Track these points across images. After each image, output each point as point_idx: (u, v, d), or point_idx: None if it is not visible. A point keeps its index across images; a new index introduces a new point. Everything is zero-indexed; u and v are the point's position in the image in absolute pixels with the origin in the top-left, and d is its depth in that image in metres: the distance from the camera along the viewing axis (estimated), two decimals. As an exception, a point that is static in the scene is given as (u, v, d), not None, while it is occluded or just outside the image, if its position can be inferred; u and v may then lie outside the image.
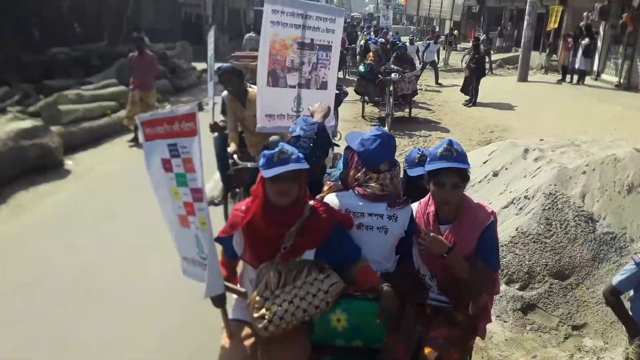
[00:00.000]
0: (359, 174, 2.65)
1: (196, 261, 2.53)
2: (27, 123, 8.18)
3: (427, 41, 21.33)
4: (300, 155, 2.49)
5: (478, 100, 14.42)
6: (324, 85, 4.61)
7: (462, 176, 2.56)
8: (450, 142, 2.58)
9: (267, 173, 2.39)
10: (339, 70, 18.28)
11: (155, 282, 4.87)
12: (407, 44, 17.10)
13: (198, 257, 2.50)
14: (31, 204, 6.89)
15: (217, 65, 6.22)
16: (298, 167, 2.40)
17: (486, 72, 16.19)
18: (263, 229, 2.47)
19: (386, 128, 11.22)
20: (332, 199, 2.69)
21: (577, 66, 16.82)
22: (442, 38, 24.07)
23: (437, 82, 18.68)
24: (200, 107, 2.12)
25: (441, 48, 22.91)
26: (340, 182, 2.76)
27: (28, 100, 10.71)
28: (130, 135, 9.83)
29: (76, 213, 6.57)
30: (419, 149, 3.14)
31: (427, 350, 2.49)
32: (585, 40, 16.37)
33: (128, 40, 16.78)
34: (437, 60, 20.64)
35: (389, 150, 2.68)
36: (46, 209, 6.73)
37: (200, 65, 16.80)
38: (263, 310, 2.38)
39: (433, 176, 2.57)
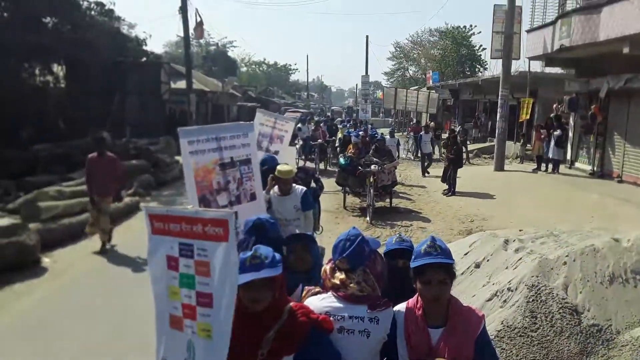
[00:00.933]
0: (327, 267, 2.68)
1: None
2: (5, 221, 8.13)
3: (411, 133, 21.61)
4: (277, 256, 2.45)
5: (457, 189, 14.68)
6: (253, 197, 4.77)
7: (448, 272, 2.53)
8: (433, 239, 2.57)
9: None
10: (321, 161, 18.87)
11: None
12: (387, 136, 17.62)
13: None
14: (6, 304, 6.69)
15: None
16: (270, 275, 2.36)
17: (464, 162, 16.60)
18: (238, 333, 2.39)
19: (367, 218, 11.35)
20: (311, 302, 2.66)
21: (550, 156, 17.35)
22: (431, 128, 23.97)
23: (424, 174, 18.59)
24: (236, 216, 2.09)
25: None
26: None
27: (8, 197, 10.67)
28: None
29: (53, 313, 6.37)
30: (398, 233, 3.16)
31: None
32: (557, 132, 17.00)
33: (112, 136, 17.10)
34: (432, 152, 20.07)
35: (348, 246, 2.65)
36: (22, 309, 6.52)
37: (183, 160, 16.96)
38: None
39: (419, 274, 2.53)
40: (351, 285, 2.59)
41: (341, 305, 2.59)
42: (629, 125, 15.20)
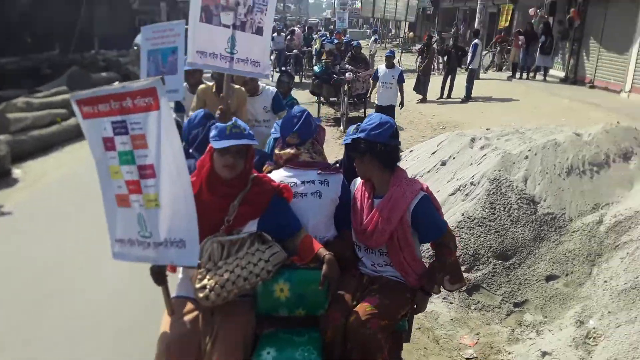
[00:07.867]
0: (276, 149, 2.82)
1: (135, 241, 2.43)
2: (-27, 132, 7.99)
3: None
4: (252, 132, 2.57)
5: (429, 98, 14.69)
6: (259, 31, 4.37)
7: (369, 149, 2.65)
8: (375, 117, 2.75)
9: (217, 144, 2.46)
10: (296, 73, 18.52)
11: (108, 283, 4.82)
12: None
13: (139, 236, 2.41)
14: (-23, 213, 6.71)
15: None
16: (250, 143, 2.50)
17: (434, 71, 16.37)
18: (207, 200, 2.52)
19: (341, 127, 11.37)
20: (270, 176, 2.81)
21: (539, 64, 17.19)
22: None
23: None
24: (163, 81, 1.95)
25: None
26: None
27: (-26, 110, 10.41)
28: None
29: (27, 220, 6.42)
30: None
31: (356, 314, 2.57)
32: (542, 38, 16.83)
33: (80, 49, 16.56)
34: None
35: (297, 122, 2.80)
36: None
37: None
38: (205, 281, 2.41)
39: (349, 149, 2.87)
40: (302, 154, 2.79)
41: (293, 173, 2.78)
42: (604, 30, 15.08)
